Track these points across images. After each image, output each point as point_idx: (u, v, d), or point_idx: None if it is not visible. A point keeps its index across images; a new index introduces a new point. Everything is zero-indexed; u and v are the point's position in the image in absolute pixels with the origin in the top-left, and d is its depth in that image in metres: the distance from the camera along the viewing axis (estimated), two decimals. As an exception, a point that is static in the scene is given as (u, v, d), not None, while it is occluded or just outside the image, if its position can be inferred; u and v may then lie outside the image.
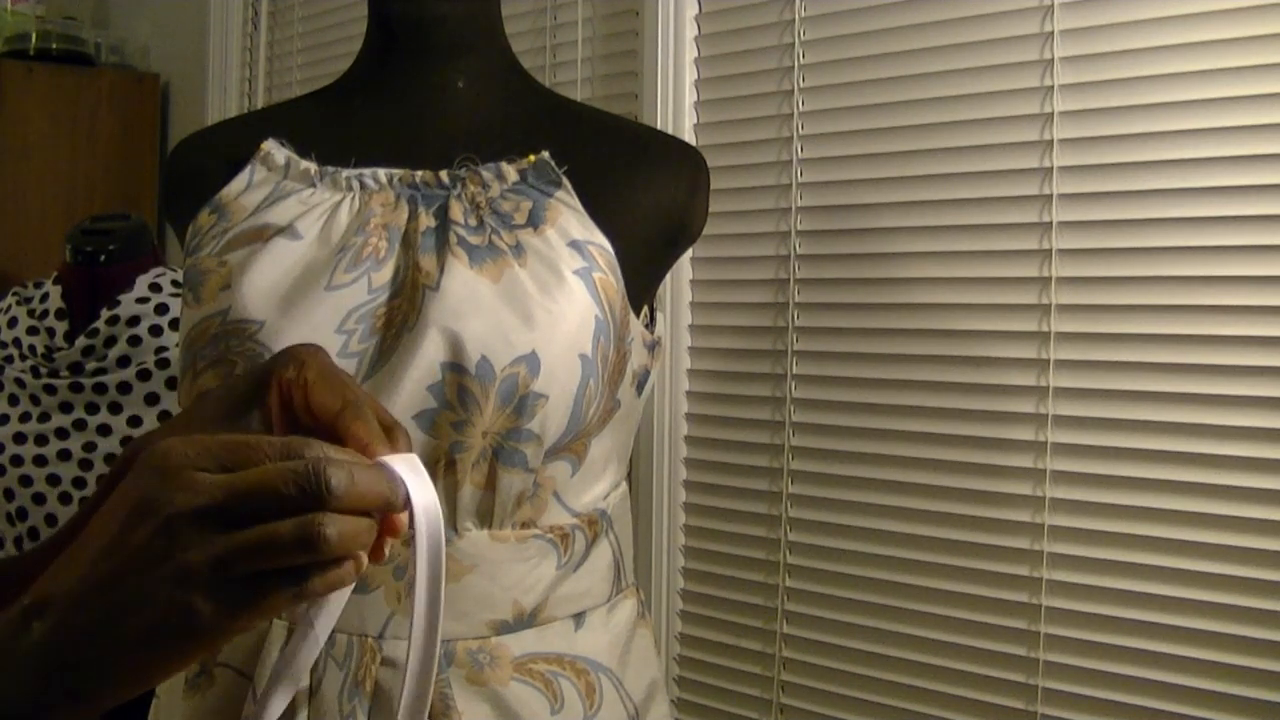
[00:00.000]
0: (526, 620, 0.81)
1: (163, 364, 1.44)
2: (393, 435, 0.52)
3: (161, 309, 1.47)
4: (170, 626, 0.45)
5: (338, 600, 0.53)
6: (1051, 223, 1.24)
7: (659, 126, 1.52)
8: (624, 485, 0.91)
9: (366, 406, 0.52)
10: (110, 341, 1.44)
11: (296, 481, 0.45)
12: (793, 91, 1.45)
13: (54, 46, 2.36)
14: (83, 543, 0.48)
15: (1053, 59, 1.24)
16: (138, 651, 0.46)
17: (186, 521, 0.45)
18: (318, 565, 0.46)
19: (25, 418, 1.44)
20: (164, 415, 1.43)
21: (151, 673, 0.47)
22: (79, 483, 1.41)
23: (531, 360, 0.76)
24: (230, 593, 0.45)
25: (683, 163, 0.94)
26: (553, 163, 0.85)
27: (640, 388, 0.88)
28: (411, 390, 0.76)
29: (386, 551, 0.50)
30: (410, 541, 0.50)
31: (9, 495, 1.43)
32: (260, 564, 0.45)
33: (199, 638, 0.46)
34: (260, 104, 2.27)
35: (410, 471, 0.49)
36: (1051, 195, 1.24)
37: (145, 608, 0.45)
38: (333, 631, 0.77)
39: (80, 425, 1.43)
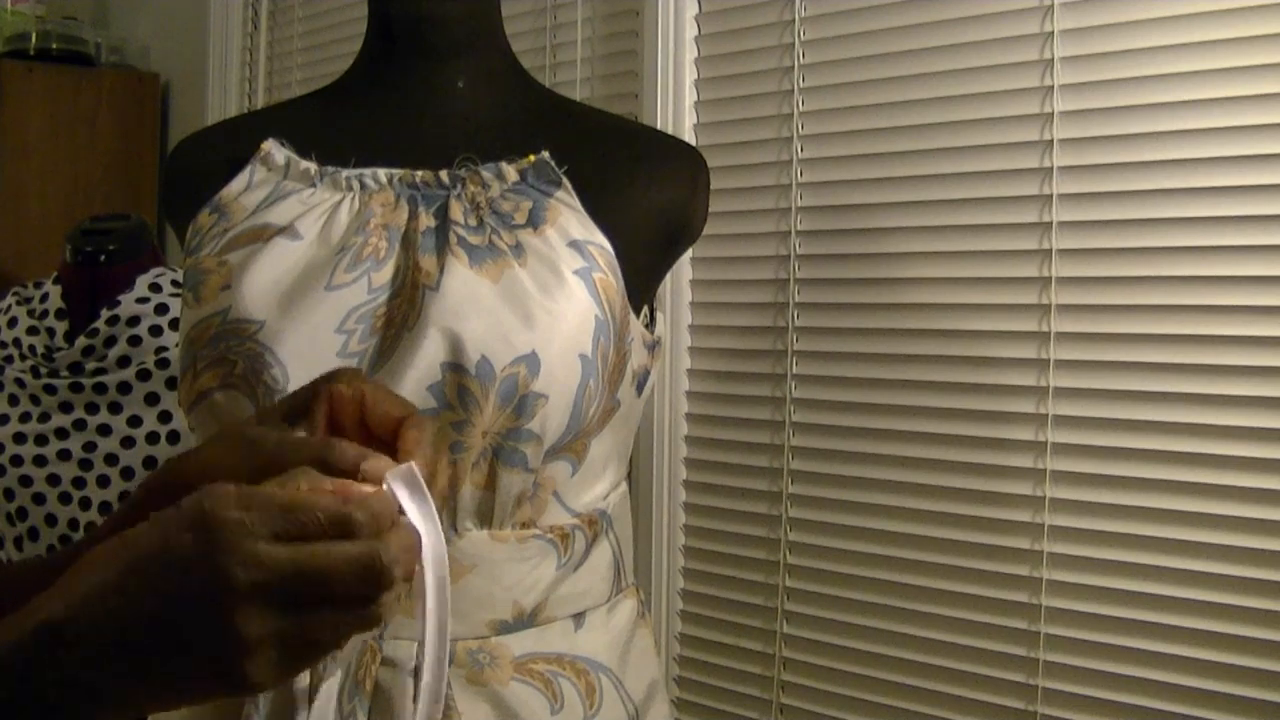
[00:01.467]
0: (526, 620, 0.81)
1: (163, 364, 1.44)
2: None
3: (161, 309, 1.47)
4: (218, 682, 0.47)
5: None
6: (1051, 223, 1.24)
7: (659, 126, 1.52)
8: (624, 485, 0.91)
9: (424, 419, 0.57)
10: (110, 341, 1.43)
11: (359, 574, 0.47)
12: (793, 91, 1.45)
13: (54, 46, 2.35)
14: (115, 578, 0.47)
15: (1053, 59, 1.24)
16: (178, 692, 0.47)
17: (246, 597, 0.45)
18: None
19: (25, 418, 1.44)
20: (164, 415, 1.43)
21: (187, 704, 0.49)
22: (79, 483, 1.41)
23: (531, 360, 0.76)
24: (282, 659, 0.47)
25: (683, 162, 0.94)
26: (553, 163, 0.85)
27: (640, 388, 0.88)
28: (411, 390, 0.76)
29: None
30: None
31: (9, 495, 1.43)
32: (315, 639, 0.47)
33: (245, 692, 0.47)
34: (260, 104, 2.27)
35: (411, 490, 0.51)
36: (1051, 195, 1.24)
37: (193, 665, 0.46)
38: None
39: (80, 425, 1.43)
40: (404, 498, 0.50)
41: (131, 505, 0.60)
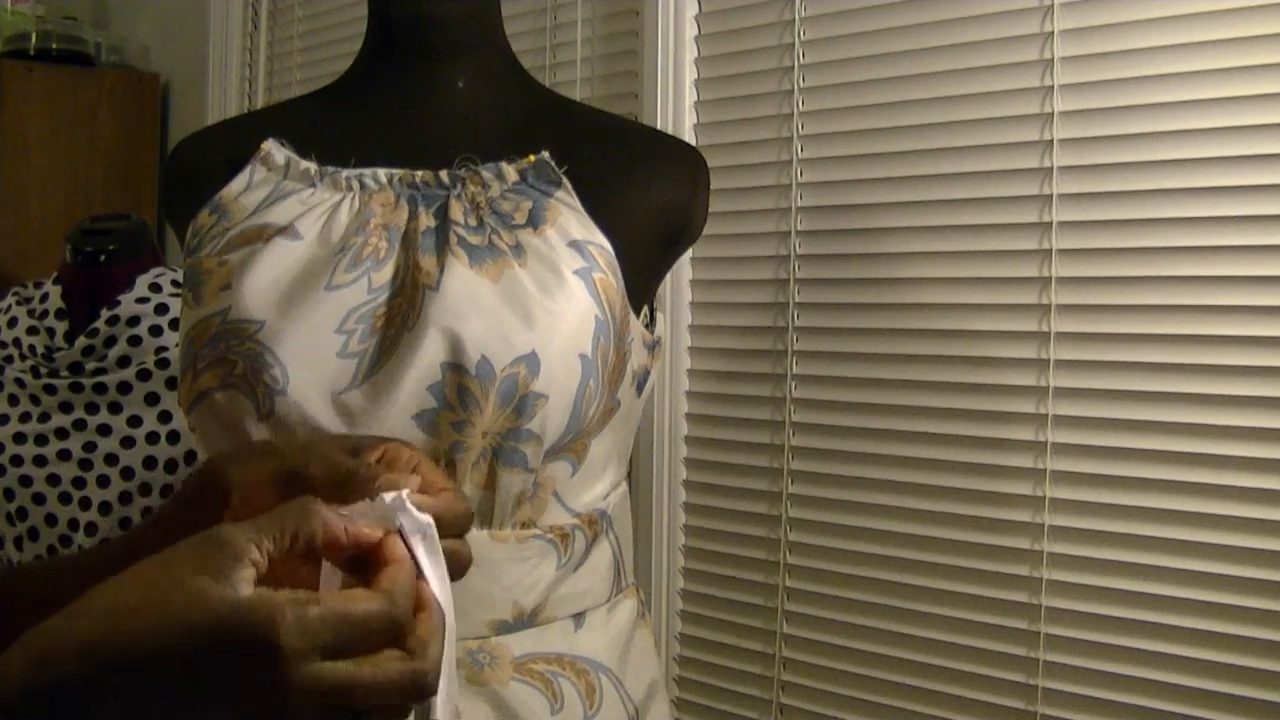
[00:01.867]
0: (526, 620, 0.81)
1: (163, 364, 1.44)
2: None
3: (161, 309, 1.47)
4: None
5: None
6: (1051, 223, 1.24)
7: (659, 126, 1.52)
8: (624, 485, 0.91)
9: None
10: (110, 341, 1.43)
11: (410, 689, 0.49)
12: (793, 91, 1.45)
13: (54, 46, 2.35)
14: (147, 653, 0.47)
15: (1053, 59, 1.24)
16: None
17: (300, 709, 0.47)
18: None
19: (25, 418, 1.44)
20: (164, 415, 1.43)
21: None
22: (79, 483, 1.41)
23: (531, 360, 0.76)
24: None
25: (683, 162, 0.94)
26: (553, 163, 0.85)
27: (640, 388, 0.88)
28: (411, 390, 0.76)
29: None
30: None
31: (9, 495, 1.43)
32: None
33: None
34: (260, 104, 2.27)
35: (423, 539, 0.53)
36: (1051, 195, 1.24)
37: None
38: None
39: (80, 425, 1.42)
40: (419, 551, 0.52)
41: (165, 519, 0.61)
